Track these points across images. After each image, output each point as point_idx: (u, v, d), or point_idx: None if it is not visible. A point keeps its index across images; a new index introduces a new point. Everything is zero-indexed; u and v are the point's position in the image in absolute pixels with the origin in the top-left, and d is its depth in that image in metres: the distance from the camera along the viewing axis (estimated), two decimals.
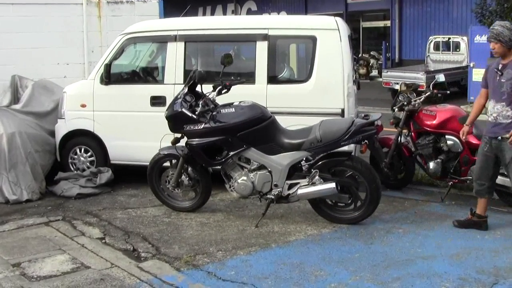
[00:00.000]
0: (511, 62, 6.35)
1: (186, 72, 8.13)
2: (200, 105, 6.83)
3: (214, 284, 5.38)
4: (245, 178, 6.95)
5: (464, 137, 6.97)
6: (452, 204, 7.78)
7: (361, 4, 29.08)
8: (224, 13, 35.63)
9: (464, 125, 6.92)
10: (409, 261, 5.78)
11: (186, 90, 7.12)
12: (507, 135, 6.25)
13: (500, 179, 7.51)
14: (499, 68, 6.42)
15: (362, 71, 26.96)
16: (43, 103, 9.20)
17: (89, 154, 8.86)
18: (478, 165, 6.75)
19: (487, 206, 6.76)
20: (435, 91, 8.67)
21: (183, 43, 8.42)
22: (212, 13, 36.31)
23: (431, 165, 7.93)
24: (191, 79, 7.05)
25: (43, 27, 11.24)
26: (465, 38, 21.05)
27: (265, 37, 8.19)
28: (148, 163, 7.61)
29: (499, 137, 6.36)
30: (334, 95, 7.94)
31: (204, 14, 36.39)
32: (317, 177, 6.74)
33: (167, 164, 7.56)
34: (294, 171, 6.90)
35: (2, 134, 8.18)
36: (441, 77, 9.22)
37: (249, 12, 33.89)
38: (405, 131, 8.33)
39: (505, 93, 6.31)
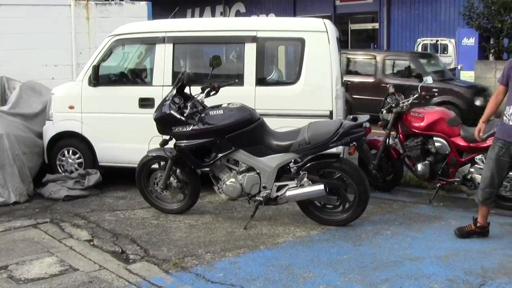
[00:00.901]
0: None
1: (175, 74, 8.11)
2: (189, 107, 6.82)
3: (202, 286, 5.37)
4: (233, 180, 6.95)
5: (480, 135, 6.44)
6: (440, 205, 7.81)
7: (350, 6, 29.15)
8: (213, 15, 35.62)
9: (480, 122, 6.40)
10: (397, 263, 5.80)
11: (174, 92, 7.11)
12: None
13: None
14: None
15: None
16: (31, 104, 9.16)
17: (77, 156, 8.83)
18: (489, 172, 6.20)
19: (488, 215, 6.50)
20: (423, 93, 8.71)
21: (171, 45, 8.41)
22: (201, 15, 36.29)
23: (419, 167, 7.96)
24: (180, 81, 7.04)
25: (31, 28, 11.22)
26: (452, 40, 21.18)
27: (253, 39, 8.19)
28: (136, 165, 7.59)
29: None
30: (323, 97, 7.95)
31: (192, 16, 36.37)
32: (305, 179, 6.75)
33: (156, 166, 7.54)
34: (283, 173, 6.90)
35: None
36: (429, 79, 9.23)
37: (238, 14, 33.89)
38: (393, 133, 8.37)
39: None
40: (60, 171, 8.86)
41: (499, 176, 6.18)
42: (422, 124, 7.98)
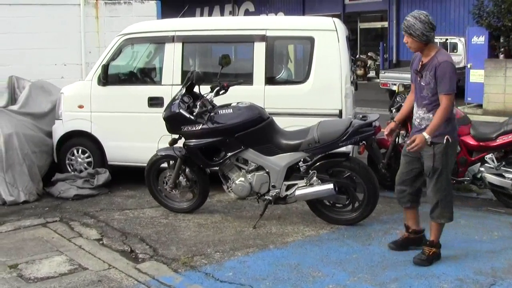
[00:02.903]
0: (430, 63, 5.50)
1: (184, 73, 8.10)
2: (198, 106, 6.82)
3: (212, 285, 5.36)
4: (242, 179, 6.95)
5: (386, 133, 6.07)
6: None
7: (359, 5, 29.11)
8: (222, 14, 35.64)
9: (392, 121, 6.12)
10: (407, 262, 5.77)
11: (183, 91, 7.11)
12: (428, 142, 5.43)
13: (497, 180, 7.55)
14: (418, 69, 5.62)
15: (360, 72, 27.01)
16: (40, 104, 9.18)
17: (86, 155, 8.84)
18: (400, 168, 6.01)
19: (419, 218, 6.12)
20: None
21: (180, 44, 8.41)
22: (210, 14, 36.31)
23: None
24: (189, 80, 7.04)
25: (40, 28, 11.26)
26: (462, 39, 21.08)
27: (263, 38, 8.18)
28: (145, 164, 7.59)
29: None
30: (332, 96, 7.94)
31: (201, 15, 36.39)
32: (314, 178, 6.74)
33: (165, 165, 7.54)
34: (292, 172, 6.90)
35: None
36: None
37: (247, 13, 33.89)
38: (402, 132, 8.33)
39: (426, 98, 5.56)
40: (70, 170, 8.87)
41: (409, 173, 5.88)
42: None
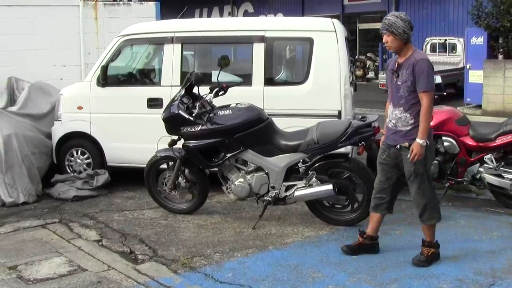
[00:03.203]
0: (407, 62, 5.54)
1: (183, 74, 8.10)
2: (197, 107, 6.83)
3: (211, 286, 5.37)
4: (242, 180, 6.95)
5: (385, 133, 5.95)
6: (449, 205, 7.78)
7: (358, 6, 29.12)
8: (221, 15, 35.66)
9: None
10: (406, 263, 5.78)
11: (183, 92, 7.11)
12: (406, 144, 5.54)
13: (496, 180, 7.55)
14: (395, 68, 5.65)
15: (359, 72, 27.03)
16: (39, 105, 9.19)
17: (85, 156, 8.84)
18: (377, 177, 5.95)
19: (379, 225, 6.09)
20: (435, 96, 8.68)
21: (180, 45, 8.41)
22: (209, 15, 36.33)
23: None
24: (188, 81, 7.04)
25: (39, 29, 11.26)
26: (461, 39, 21.12)
27: (262, 39, 8.18)
28: (145, 165, 7.59)
29: (398, 146, 5.64)
30: (331, 97, 7.94)
31: (200, 16, 36.42)
32: (314, 179, 6.74)
33: (164, 166, 7.54)
34: (291, 173, 6.90)
35: None
36: (437, 79, 9.19)
37: (246, 14, 33.92)
38: None
39: (402, 97, 5.55)
40: (69, 171, 8.87)
41: (387, 181, 5.84)
42: (431, 123, 7.92)
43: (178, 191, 7.47)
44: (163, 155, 7.44)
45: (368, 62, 28.56)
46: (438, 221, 5.82)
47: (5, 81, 9.57)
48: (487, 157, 7.66)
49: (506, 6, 16.77)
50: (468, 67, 18.26)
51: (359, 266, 5.73)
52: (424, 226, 5.82)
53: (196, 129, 6.89)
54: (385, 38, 5.60)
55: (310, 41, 8.09)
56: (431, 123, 7.78)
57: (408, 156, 5.48)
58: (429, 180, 5.73)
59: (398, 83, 5.58)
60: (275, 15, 30.68)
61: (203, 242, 6.48)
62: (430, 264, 5.71)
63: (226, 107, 6.99)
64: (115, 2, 12.57)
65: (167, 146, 7.29)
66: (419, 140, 5.42)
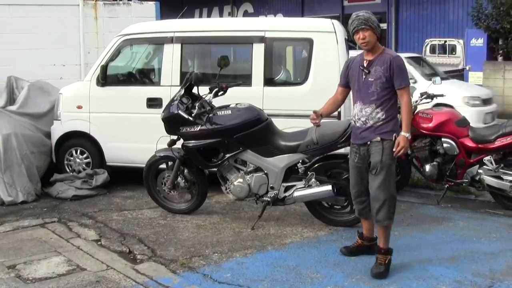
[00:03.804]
0: (378, 58, 5.50)
1: (183, 74, 8.10)
2: (197, 107, 6.82)
3: (210, 286, 5.37)
4: (241, 180, 6.95)
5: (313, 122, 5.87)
6: (448, 207, 7.79)
7: (358, 7, 29.00)
8: (221, 15, 35.61)
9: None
10: (405, 264, 5.78)
11: (182, 92, 7.11)
12: (378, 139, 5.46)
13: (496, 182, 7.55)
14: (365, 65, 5.55)
15: None
16: (39, 104, 9.19)
17: (85, 155, 8.84)
18: (353, 181, 5.80)
19: (373, 226, 5.98)
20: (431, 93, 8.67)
21: (179, 45, 8.41)
22: (209, 15, 36.28)
23: (427, 168, 7.92)
24: (188, 81, 7.04)
25: (39, 28, 11.25)
26: (461, 41, 21.10)
27: (261, 39, 8.17)
28: (144, 165, 7.60)
29: (369, 142, 5.54)
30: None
31: (200, 16, 36.38)
32: (313, 179, 6.74)
33: (163, 166, 7.54)
34: (291, 173, 6.90)
35: None
36: (437, 80, 9.19)
37: (246, 14, 33.87)
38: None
39: (374, 93, 5.46)
40: (68, 170, 8.88)
41: (364, 184, 5.71)
42: (431, 125, 7.94)
43: (177, 191, 7.47)
44: (162, 155, 7.44)
45: None
46: (391, 222, 5.68)
47: (5, 80, 9.58)
48: (487, 158, 7.66)
49: (506, 8, 16.80)
50: (468, 68, 18.28)
51: (358, 267, 5.73)
52: (380, 229, 5.69)
53: (195, 129, 6.88)
54: (362, 34, 5.46)
55: (310, 41, 8.09)
56: (431, 125, 7.88)
57: (394, 150, 5.41)
58: (394, 177, 5.64)
59: (370, 79, 5.48)
60: (275, 16, 30.63)
61: (202, 242, 6.48)
62: (388, 272, 5.57)
63: (226, 107, 6.98)
64: (115, 2, 12.57)
65: (166, 146, 7.28)
66: (404, 133, 5.40)
